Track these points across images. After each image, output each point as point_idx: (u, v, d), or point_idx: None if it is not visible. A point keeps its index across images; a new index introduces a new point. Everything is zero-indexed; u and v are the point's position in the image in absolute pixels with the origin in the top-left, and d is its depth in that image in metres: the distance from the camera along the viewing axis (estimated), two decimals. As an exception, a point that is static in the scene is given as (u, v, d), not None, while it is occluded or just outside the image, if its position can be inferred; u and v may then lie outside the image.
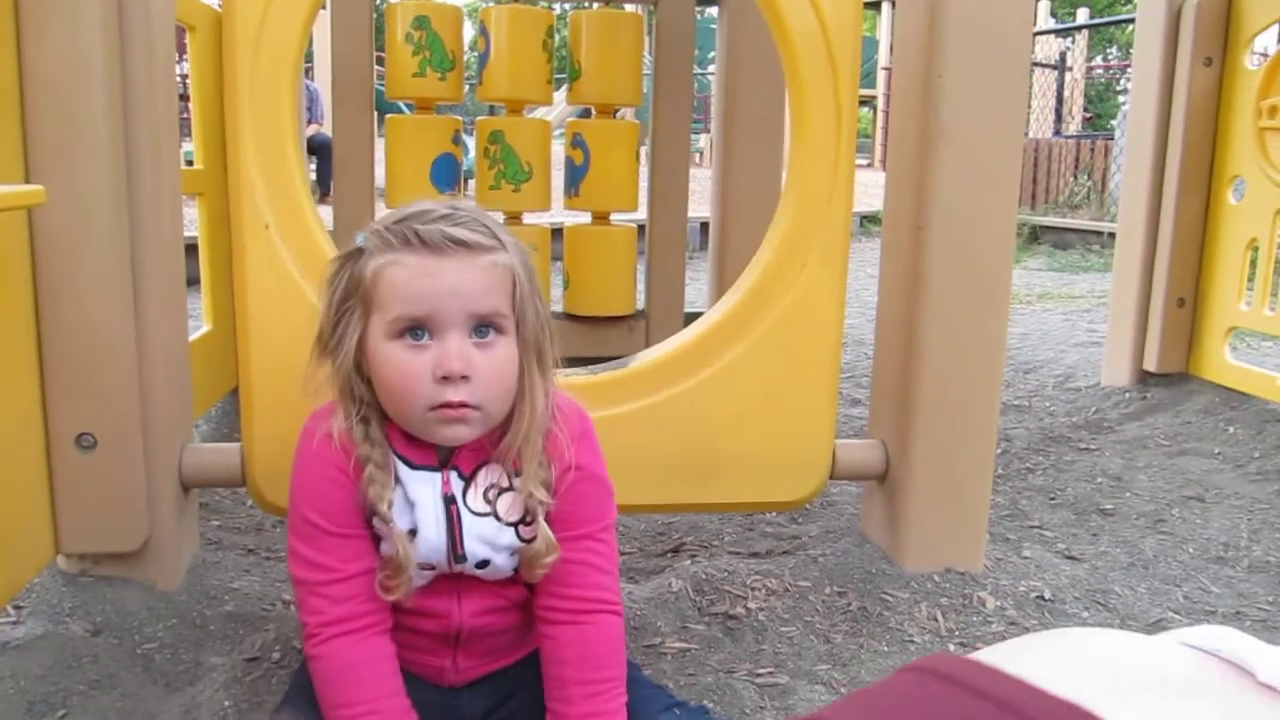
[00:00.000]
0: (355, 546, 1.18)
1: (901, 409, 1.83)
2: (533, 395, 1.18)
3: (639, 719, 1.23)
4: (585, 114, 3.49)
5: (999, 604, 1.78)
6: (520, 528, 1.20)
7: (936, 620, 1.71)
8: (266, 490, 1.61)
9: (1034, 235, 7.96)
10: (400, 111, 3.80)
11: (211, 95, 2.64)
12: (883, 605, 1.75)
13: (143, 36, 1.56)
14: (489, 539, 1.19)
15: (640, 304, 3.37)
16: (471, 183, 3.41)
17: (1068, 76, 12.67)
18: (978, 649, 1.62)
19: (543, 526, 1.19)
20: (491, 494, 1.20)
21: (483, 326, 1.14)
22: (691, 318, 2.05)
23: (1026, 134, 12.20)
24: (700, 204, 4.97)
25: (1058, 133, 11.99)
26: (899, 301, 1.84)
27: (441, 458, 1.20)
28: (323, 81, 8.76)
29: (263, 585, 1.79)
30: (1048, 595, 1.83)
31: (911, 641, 1.66)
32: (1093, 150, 9.64)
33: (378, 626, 1.19)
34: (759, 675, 1.56)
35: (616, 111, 3.14)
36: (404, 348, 1.12)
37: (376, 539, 1.20)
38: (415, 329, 1.12)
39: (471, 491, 1.20)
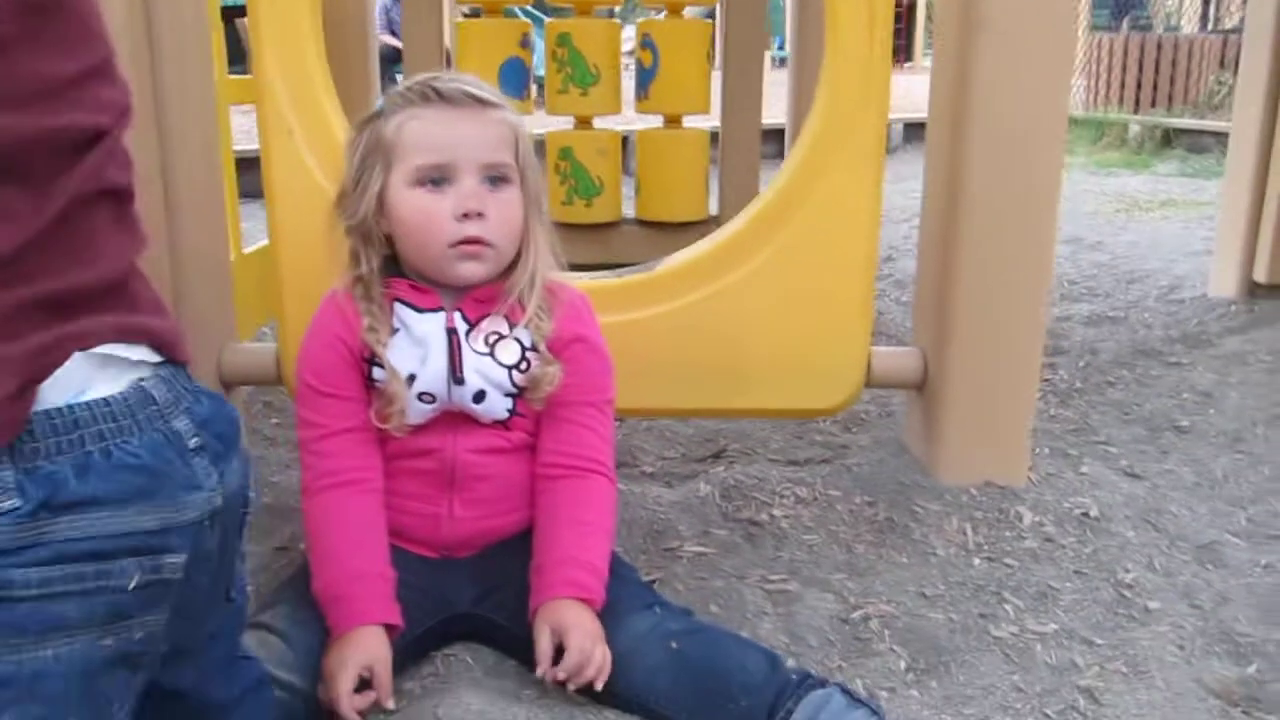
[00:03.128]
0: (344, 406, 1.30)
1: (940, 316, 1.76)
2: (535, 242, 1.31)
3: (615, 613, 1.25)
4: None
5: (1037, 519, 1.71)
6: (514, 373, 1.29)
7: (965, 534, 1.67)
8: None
9: (1166, 139, 7.47)
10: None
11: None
12: (911, 517, 1.71)
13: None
14: (486, 374, 1.29)
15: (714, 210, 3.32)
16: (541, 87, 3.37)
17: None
18: (1007, 565, 1.55)
19: (544, 353, 1.30)
20: (491, 339, 1.30)
21: (493, 176, 1.26)
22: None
23: (1172, 27, 11.39)
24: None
25: (1206, 28, 11.14)
26: (939, 204, 1.76)
27: (447, 304, 1.30)
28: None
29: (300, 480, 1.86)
30: (1094, 513, 1.75)
31: (934, 554, 1.62)
32: (1239, 46, 8.94)
33: (366, 484, 1.29)
34: (770, 581, 1.55)
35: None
36: (425, 193, 1.25)
37: (370, 396, 1.30)
38: (435, 176, 1.24)
39: (474, 334, 1.29)
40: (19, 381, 0.70)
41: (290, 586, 1.33)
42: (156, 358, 0.80)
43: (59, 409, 0.72)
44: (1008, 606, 1.49)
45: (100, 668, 0.74)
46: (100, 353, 0.75)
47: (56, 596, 0.71)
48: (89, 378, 0.75)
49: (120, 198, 0.79)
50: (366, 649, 1.18)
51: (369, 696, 1.17)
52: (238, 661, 0.98)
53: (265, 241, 2.70)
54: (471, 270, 1.27)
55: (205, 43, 1.76)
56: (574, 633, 1.20)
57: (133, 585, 0.74)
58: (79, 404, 0.73)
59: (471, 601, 1.33)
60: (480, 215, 1.25)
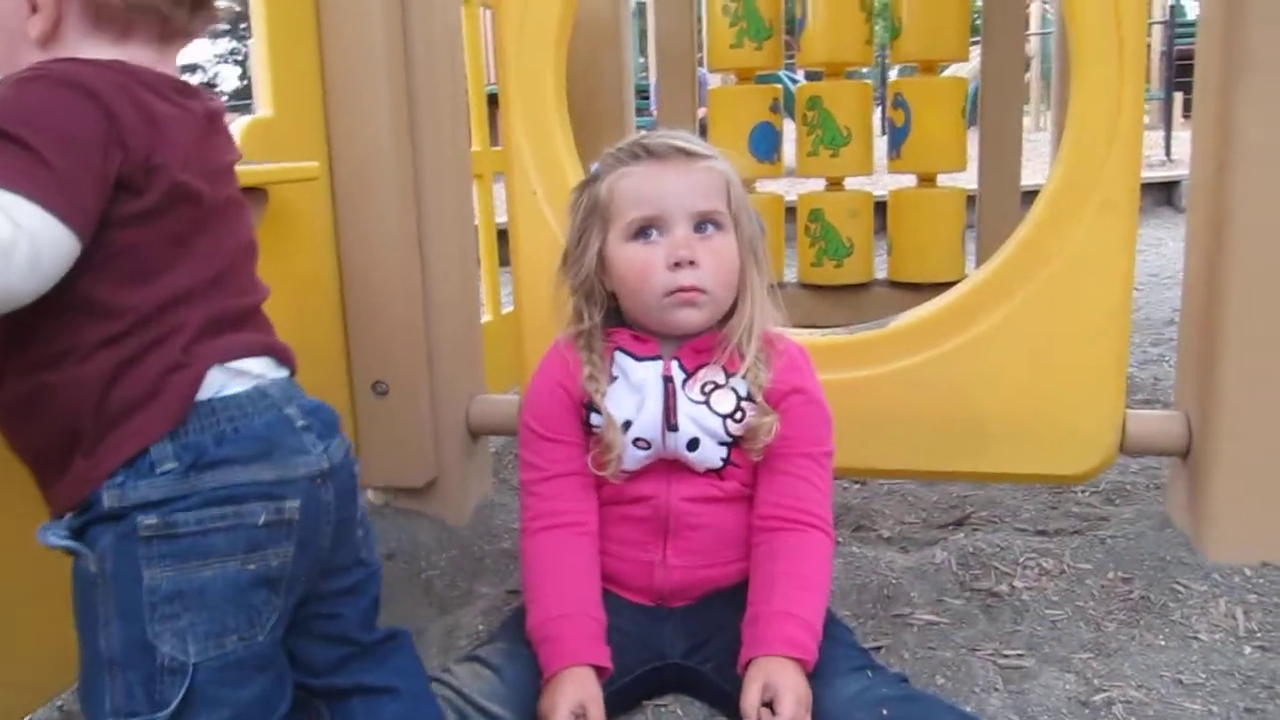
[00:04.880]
0: (564, 451, 1.34)
1: (1206, 377, 1.61)
2: (751, 289, 1.32)
3: (826, 673, 1.21)
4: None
5: (1326, 608, 1.51)
6: (729, 422, 1.30)
7: (1235, 619, 1.49)
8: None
9: None
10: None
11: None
12: (1171, 596, 1.55)
13: (422, 31, 1.74)
14: (700, 422, 1.30)
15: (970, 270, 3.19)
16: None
17: None
18: (1287, 657, 1.36)
19: (760, 403, 1.30)
20: (707, 388, 1.31)
21: (703, 223, 1.28)
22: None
23: None
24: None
25: None
26: (1202, 251, 1.61)
27: (665, 352, 1.33)
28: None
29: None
30: (1398, 607, 1.53)
31: (1197, 638, 1.46)
32: None
33: (581, 528, 1.33)
34: (1004, 656, 1.45)
35: (942, 68, 2.99)
36: (640, 245, 1.29)
37: (589, 442, 1.34)
38: (647, 228, 1.28)
39: (690, 382, 1.31)
40: (191, 386, 0.98)
41: (509, 624, 1.38)
42: (274, 371, 1.06)
43: (204, 401, 0.98)
44: (1283, 703, 1.32)
45: (247, 585, 0.98)
46: (232, 366, 1.01)
47: (208, 532, 0.96)
48: (226, 381, 1.01)
49: (256, 251, 1.10)
50: (578, 689, 1.20)
51: None
52: (376, 616, 1.17)
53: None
54: (688, 317, 1.29)
55: (460, 123, 1.91)
56: (786, 698, 1.16)
57: (261, 522, 0.98)
58: (217, 398, 0.99)
59: (683, 653, 1.33)
60: (692, 263, 1.26)
